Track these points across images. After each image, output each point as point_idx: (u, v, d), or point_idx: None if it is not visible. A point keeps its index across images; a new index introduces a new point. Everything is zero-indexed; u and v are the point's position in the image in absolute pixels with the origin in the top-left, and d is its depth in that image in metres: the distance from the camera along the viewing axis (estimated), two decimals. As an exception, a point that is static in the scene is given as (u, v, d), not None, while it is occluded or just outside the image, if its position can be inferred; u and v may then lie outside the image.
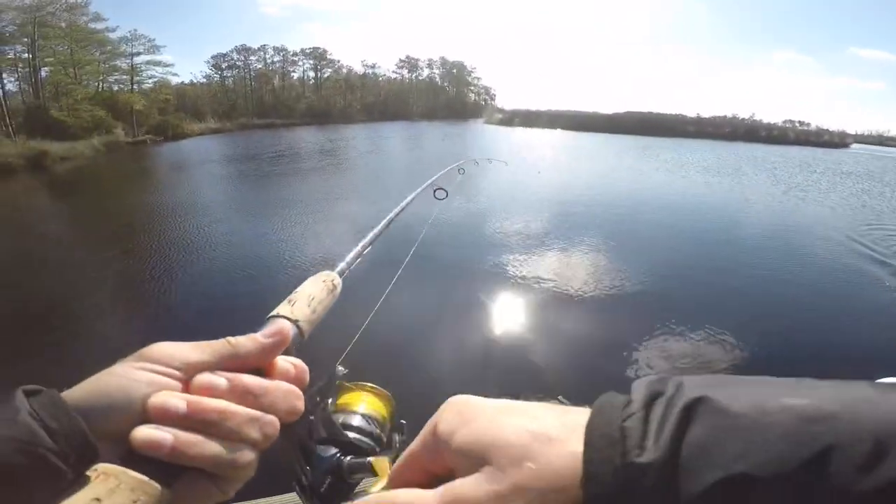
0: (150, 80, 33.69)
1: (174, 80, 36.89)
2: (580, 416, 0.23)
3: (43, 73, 28.18)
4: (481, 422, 0.25)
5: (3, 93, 26.61)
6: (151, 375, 0.30)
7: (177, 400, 0.29)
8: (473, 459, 0.24)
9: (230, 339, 0.34)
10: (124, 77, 32.09)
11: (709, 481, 0.18)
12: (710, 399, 0.21)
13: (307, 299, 0.42)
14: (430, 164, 22.30)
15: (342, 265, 0.52)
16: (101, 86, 30.42)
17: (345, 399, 0.45)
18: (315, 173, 17.66)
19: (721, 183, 16.98)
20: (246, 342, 0.34)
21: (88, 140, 23.51)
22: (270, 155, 21.63)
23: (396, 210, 0.75)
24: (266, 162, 20.03)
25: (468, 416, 0.26)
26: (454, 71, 66.29)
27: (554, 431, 0.23)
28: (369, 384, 0.47)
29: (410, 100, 60.45)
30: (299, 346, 0.39)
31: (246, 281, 6.83)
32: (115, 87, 31.17)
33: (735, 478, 0.18)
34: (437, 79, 66.32)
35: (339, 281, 0.49)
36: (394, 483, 0.30)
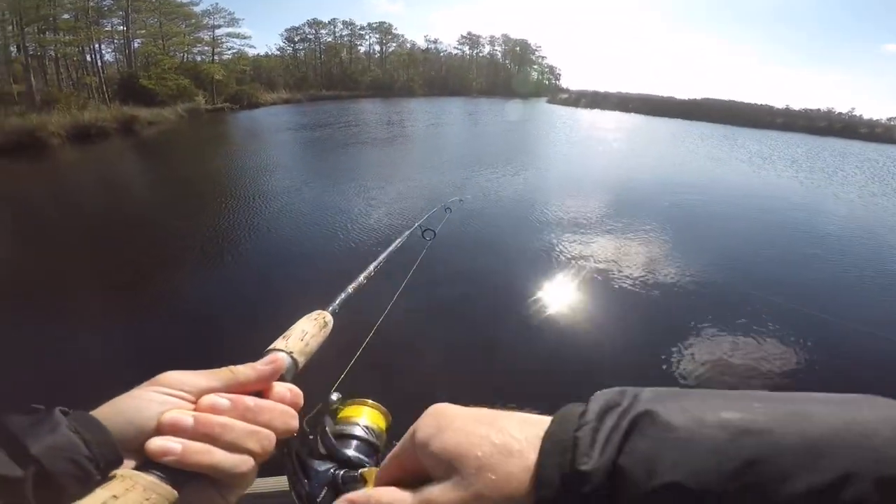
0: (229, 52, 35.38)
1: (251, 52, 38.64)
2: (543, 426, 0.25)
3: (135, 45, 30.28)
4: (453, 432, 0.27)
5: (102, 63, 28.92)
6: (164, 397, 0.35)
7: (185, 415, 0.34)
8: (445, 466, 0.26)
9: (232, 367, 0.39)
10: (206, 48, 33.79)
11: (645, 489, 0.20)
12: (656, 413, 0.22)
13: (300, 334, 0.48)
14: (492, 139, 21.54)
15: (334, 304, 0.58)
16: (185, 56, 32.18)
17: (348, 412, 0.50)
18: (382, 144, 17.68)
19: (811, 179, 15.10)
20: (245, 370, 0.39)
21: (173, 107, 24.95)
22: (339, 125, 21.97)
23: (385, 254, 0.78)
24: (335, 131, 20.34)
25: (443, 424, 0.29)
26: (517, 49, 64.04)
27: (516, 445, 0.25)
28: (370, 400, 0.52)
29: (470, 76, 59.25)
30: (294, 374, 0.45)
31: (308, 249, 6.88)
32: (199, 58, 32.90)
33: (669, 486, 0.20)
34: (499, 56, 64.46)
35: (330, 318, 0.54)
36: (379, 482, 0.32)
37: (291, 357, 0.44)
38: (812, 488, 0.18)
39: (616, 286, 5.44)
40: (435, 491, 0.26)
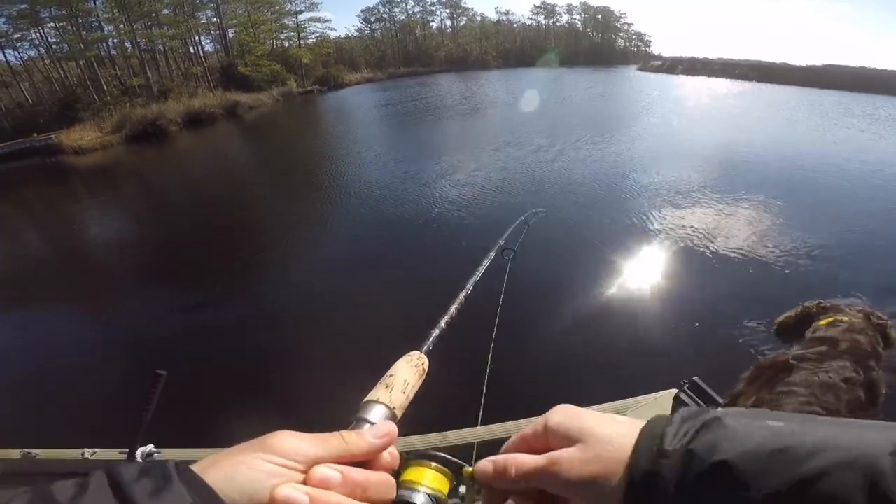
0: (312, 36, 36.50)
1: (332, 35, 39.53)
2: (642, 425, 0.35)
3: (230, 35, 31.96)
4: (583, 420, 0.37)
5: (203, 53, 30.89)
6: (276, 468, 0.35)
7: (299, 493, 0.34)
8: (572, 440, 0.36)
9: (343, 434, 0.39)
10: (292, 34, 35.02)
11: (706, 465, 0.29)
12: (722, 419, 0.32)
13: (402, 385, 0.46)
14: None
15: (427, 343, 0.55)
16: (274, 43, 33.54)
17: (411, 475, 0.46)
18: (461, 119, 17.08)
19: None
20: (358, 441, 0.39)
21: (269, 91, 26.05)
22: (418, 100, 21.71)
23: (471, 283, 0.75)
24: (415, 105, 20.07)
25: (572, 414, 0.38)
26: (598, 17, 59.76)
27: (624, 430, 0.35)
28: (434, 463, 0.47)
29: (548, 46, 56.35)
30: None
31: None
32: (286, 44, 34.16)
33: (721, 462, 0.29)
34: (579, 24, 60.57)
35: (426, 361, 0.52)
36: (506, 452, 0.40)
37: (393, 413, 0.43)
38: (817, 470, 0.27)
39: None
40: (565, 452, 0.35)
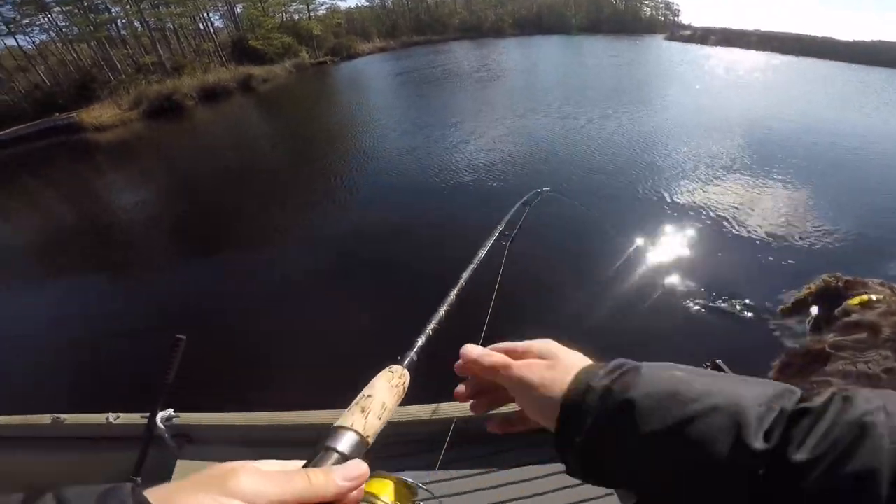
0: (322, 7, 35.58)
1: (342, 6, 38.52)
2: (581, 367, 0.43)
3: (238, 10, 31.38)
4: (559, 350, 0.45)
5: (213, 29, 30.48)
6: None
7: None
8: (544, 358, 0.44)
9: (309, 473, 0.35)
10: (301, 6, 34.12)
11: (618, 400, 0.36)
12: (640, 369, 0.38)
13: (380, 409, 0.42)
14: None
15: (410, 356, 0.51)
16: (284, 16, 32.83)
17: (374, 486, 0.44)
18: (475, 87, 16.40)
19: None
20: (325, 483, 0.35)
21: (281, 63, 25.64)
22: (432, 67, 21.04)
23: (451, 295, 0.65)
24: (428, 73, 19.42)
25: (555, 346, 0.46)
26: (623, -16, 56.78)
27: (580, 364, 0.42)
28: (396, 476, 0.45)
29: (568, 13, 54.02)
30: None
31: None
32: (296, 17, 33.41)
33: (628, 399, 0.35)
34: (602, -9, 57.70)
35: (407, 379, 0.48)
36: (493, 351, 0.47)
37: (365, 441, 0.39)
38: (694, 413, 0.33)
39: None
40: (531, 361, 0.44)
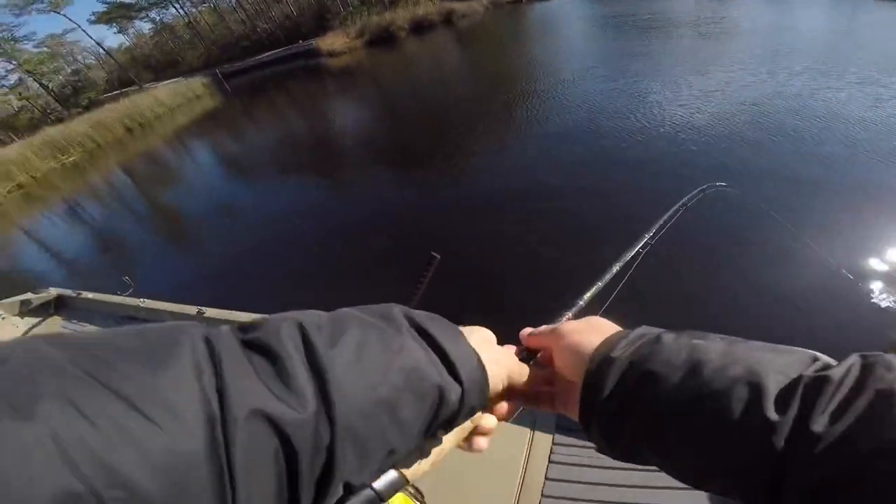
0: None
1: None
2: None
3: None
4: (601, 322, 0.45)
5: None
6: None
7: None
8: (582, 324, 0.45)
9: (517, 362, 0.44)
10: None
11: (641, 370, 0.35)
12: (661, 336, 0.38)
13: (437, 452, 0.38)
14: None
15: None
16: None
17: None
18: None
19: None
20: (520, 373, 0.43)
21: (480, 0, 26.54)
22: (653, 13, 17.78)
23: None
24: (628, 20, 17.04)
25: (601, 320, 0.46)
26: None
27: (609, 334, 0.42)
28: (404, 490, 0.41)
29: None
30: None
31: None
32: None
33: (649, 371, 0.35)
34: None
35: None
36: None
37: (401, 482, 0.35)
38: (715, 381, 0.32)
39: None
40: (571, 324, 0.46)
